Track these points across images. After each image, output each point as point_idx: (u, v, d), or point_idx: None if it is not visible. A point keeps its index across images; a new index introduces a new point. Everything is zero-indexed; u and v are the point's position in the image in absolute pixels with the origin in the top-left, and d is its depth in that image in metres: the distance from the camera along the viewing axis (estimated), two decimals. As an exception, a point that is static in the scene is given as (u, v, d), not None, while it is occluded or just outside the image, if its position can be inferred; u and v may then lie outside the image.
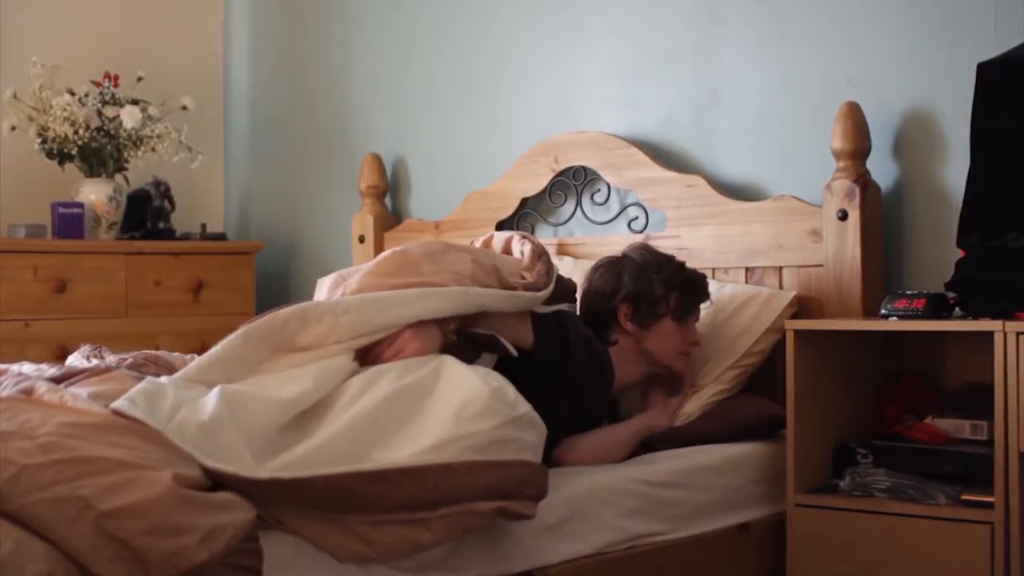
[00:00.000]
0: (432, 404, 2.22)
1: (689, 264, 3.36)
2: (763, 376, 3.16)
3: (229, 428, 2.00)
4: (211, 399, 2.07)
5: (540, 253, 2.81)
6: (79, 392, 2.06)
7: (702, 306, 3.03)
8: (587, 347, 2.76)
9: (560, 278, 2.85)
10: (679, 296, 2.95)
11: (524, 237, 2.90)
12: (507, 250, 2.90)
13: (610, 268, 3.00)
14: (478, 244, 2.97)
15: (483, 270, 2.63)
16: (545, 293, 2.71)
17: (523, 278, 2.71)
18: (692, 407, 3.04)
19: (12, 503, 1.70)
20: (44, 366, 2.53)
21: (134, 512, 1.73)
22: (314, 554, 2.02)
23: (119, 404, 1.99)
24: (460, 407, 2.19)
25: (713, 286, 3.26)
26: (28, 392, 2.08)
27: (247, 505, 1.86)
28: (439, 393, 2.24)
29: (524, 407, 2.28)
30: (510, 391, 2.29)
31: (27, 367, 2.56)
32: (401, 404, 2.19)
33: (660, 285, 2.93)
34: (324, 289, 2.68)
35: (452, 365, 2.33)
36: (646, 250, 3.04)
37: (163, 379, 2.21)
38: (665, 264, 2.99)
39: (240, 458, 1.96)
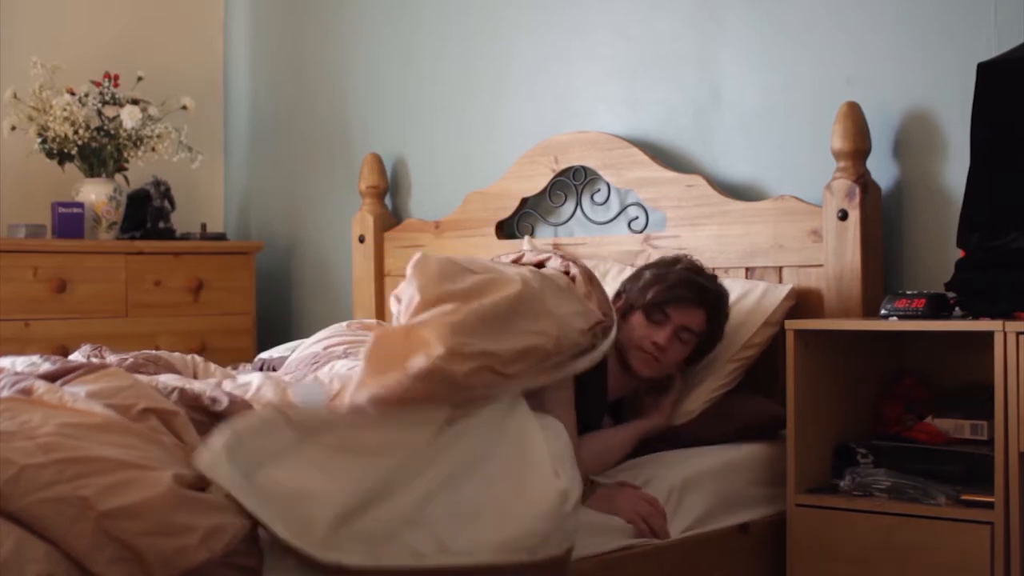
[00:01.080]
0: (502, 487, 2.24)
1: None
2: (763, 376, 3.16)
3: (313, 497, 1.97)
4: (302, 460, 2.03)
5: (589, 276, 2.72)
6: (77, 392, 2.06)
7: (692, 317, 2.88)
8: None
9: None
10: (655, 291, 2.87)
11: (563, 258, 2.80)
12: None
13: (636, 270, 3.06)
14: (506, 260, 2.86)
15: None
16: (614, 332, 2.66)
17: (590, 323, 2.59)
18: (693, 404, 3.03)
19: (12, 503, 1.70)
20: (37, 359, 2.49)
21: (134, 512, 1.73)
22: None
23: (205, 461, 1.93)
24: (529, 504, 2.23)
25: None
26: (27, 392, 2.08)
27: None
28: (513, 474, 2.27)
29: (576, 493, 2.31)
30: (575, 488, 2.32)
31: (20, 362, 2.52)
32: (479, 480, 2.22)
33: (647, 279, 2.91)
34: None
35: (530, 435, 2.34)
36: (675, 255, 3.03)
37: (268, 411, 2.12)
38: (673, 262, 2.96)
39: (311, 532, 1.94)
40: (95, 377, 2.19)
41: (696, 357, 2.97)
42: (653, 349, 2.84)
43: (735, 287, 3.20)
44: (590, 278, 2.71)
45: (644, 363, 2.86)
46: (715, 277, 2.99)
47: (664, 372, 2.91)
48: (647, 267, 2.99)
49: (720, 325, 2.95)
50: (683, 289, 2.87)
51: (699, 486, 2.78)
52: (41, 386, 2.07)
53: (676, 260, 2.97)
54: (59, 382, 2.15)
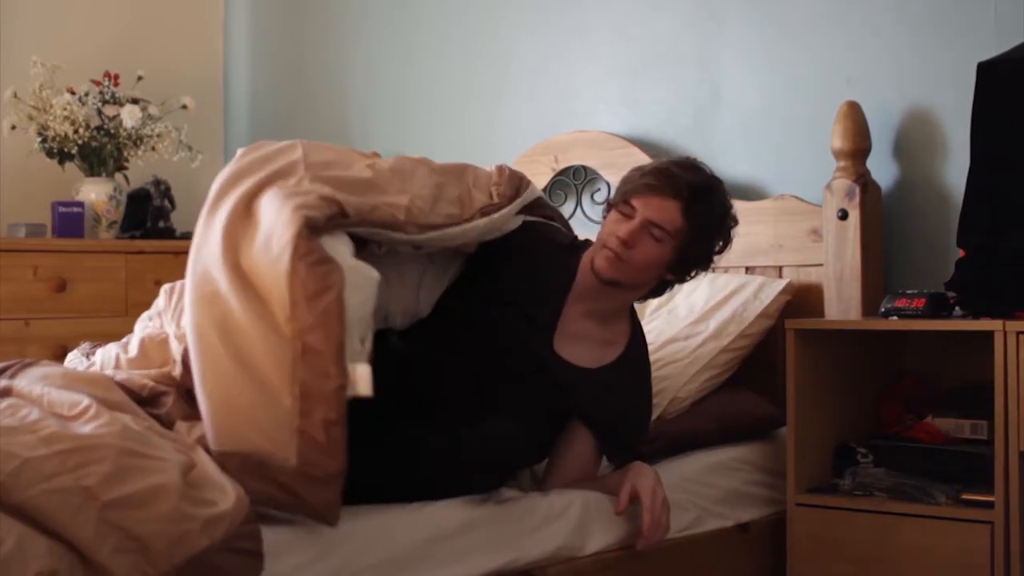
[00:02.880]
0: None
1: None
2: (763, 376, 3.16)
3: None
4: None
5: (508, 175, 2.58)
6: (50, 389, 2.06)
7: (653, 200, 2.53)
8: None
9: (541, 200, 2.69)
10: (624, 183, 2.58)
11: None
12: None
13: None
14: None
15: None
16: (513, 207, 2.52)
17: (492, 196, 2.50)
18: (685, 393, 3.02)
19: (15, 496, 1.70)
20: None
21: (137, 501, 1.74)
22: (311, 537, 2.03)
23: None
24: None
25: (708, 276, 3.26)
26: (6, 392, 2.09)
27: (237, 485, 1.87)
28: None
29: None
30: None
31: None
32: None
33: (628, 174, 2.60)
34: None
35: None
36: (672, 156, 2.83)
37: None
38: (655, 163, 2.65)
39: None
40: (37, 370, 2.23)
41: (679, 268, 2.59)
42: (616, 245, 2.48)
43: (733, 281, 3.20)
44: (509, 176, 2.57)
45: (605, 260, 2.50)
46: (701, 168, 2.60)
47: (631, 277, 2.54)
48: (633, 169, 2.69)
49: (704, 224, 2.54)
50: (651, 177, 2.52)
51: (699, 486, 2.78)
52: (22, 383, 2.08)
53: (666, 159, 2.69)
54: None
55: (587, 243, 2.67)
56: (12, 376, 2.22)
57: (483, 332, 2.51)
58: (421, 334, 2.54)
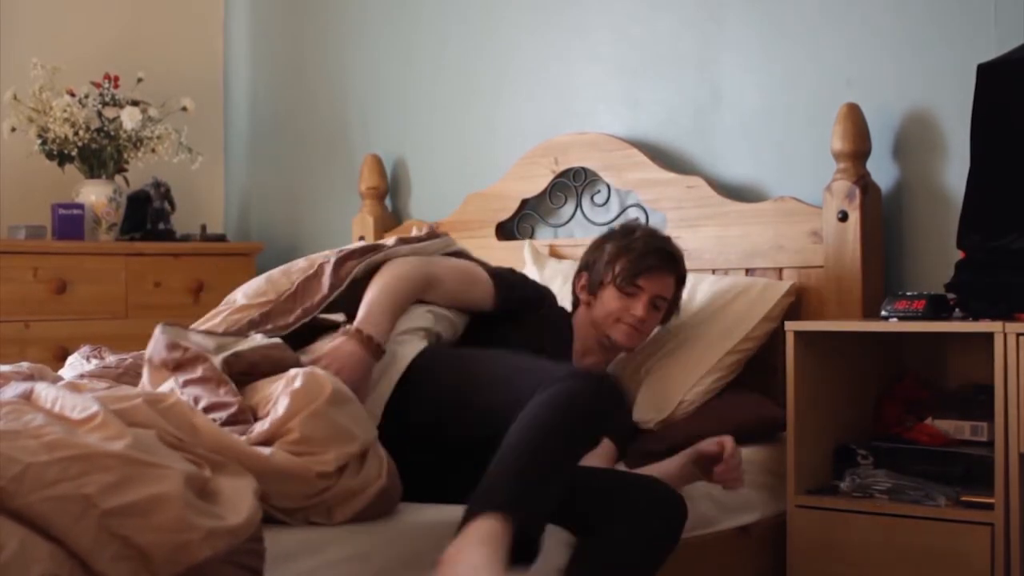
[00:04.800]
0: None
1: (689, 265, 3.37)
2: (761, 375, 3.16)
3: None
4: None
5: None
6: (64, 393, 2.06)
7: (679, 291, 2.97)
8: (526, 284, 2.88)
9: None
10: (623, 264, 2.89)
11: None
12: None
13: (593, 241, 3.04)
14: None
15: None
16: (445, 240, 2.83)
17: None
18: (692, 396, 3.03)
19: (17, 501, 1.70)
20: None
21: (137, 509, 1.73)
22: (316, 547, 2.03)
23: None
24: None
25: (712, 278, 3.27)
26: (27, 397, 2.08)
27: (253, 504, 1.87)
28: None
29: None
30: None
31: None
32: None
33: (611, 252, 2.91)
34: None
35: None
36: (633, 223, 3.07)
37: None
38: (630, 232, 2.96)
39: None
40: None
41: (667, 320, 3.03)
42: (634, 322, 2.88)
43: (737, 284, 3.20)
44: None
45: (627, 336, 2.90)
46: (669, 238, 3.01)
47: (643, 340, 2.98)
48: (605, 239, 2.98)
49: (682, 288, 2.99)
50: (653, 259, 2.89)
51: (699, 488, 2.78)
52: (42, 390, 2.08)
53: (632, 229, 2.98)
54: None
55: (562, 306, 2.96)
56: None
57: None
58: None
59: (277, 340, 2.45)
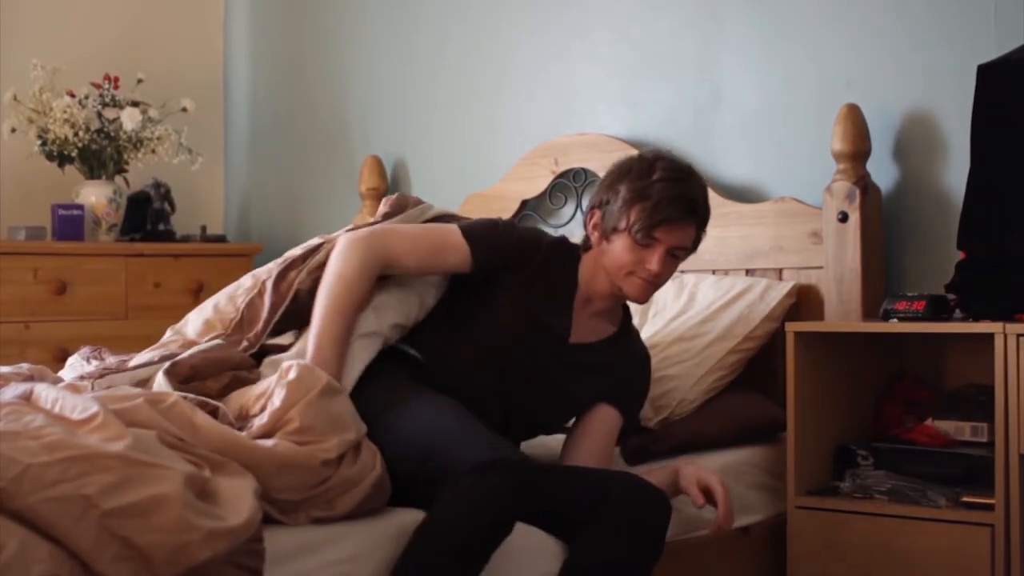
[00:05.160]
0: None
1: (690, 266, 3.37)
2: (763, 378, 3.16)
3: None
4: None
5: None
6: (65, 394, 2.06)
7: (695, 236, 2.62)
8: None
9: None
10: (640, 212, 2.54)
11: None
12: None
13: (607, 172, 2.69)
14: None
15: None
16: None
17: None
18: (694, 395, 3.03)
19: (17, 502, 1.70)
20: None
21: (137, 510, 1.73)
22: (316, 548, 2.03)
23: None
24: None
25: (712, 278, 3.27)
26: (26, 397, 2.08)
27: (253, 504, 1.87)
28: None
29: None
30: None
31: None
32: None
33: (625, 195, 2.56)
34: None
35: None
36: (648, 155, 2.65)
37: None
38: (648, 170, 2.58)
39: None
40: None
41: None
42: (648, 276, 2.58)
43: (738, 283, 3.20)
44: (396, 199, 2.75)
45: (639, 290, 2.61)
46: (693, 172, 2.64)
47: (655, 292, 2.67)
48: (621, 174, 2.61)
49: (705, 226, 2.65)
50: (672, 209, 2.55)
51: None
52: (42, 391, 2.08)
53: (651, 165, 2.59)
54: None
55: (571, 245, 2.71)
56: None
57: (501, 343, 2.60)
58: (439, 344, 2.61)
59: (217, 341, 2.45)
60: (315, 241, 2.70)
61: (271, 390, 2.16)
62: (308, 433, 2.07)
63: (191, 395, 2.17)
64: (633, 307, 3.29)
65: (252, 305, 2.58)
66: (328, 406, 2.13)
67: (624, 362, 2.72)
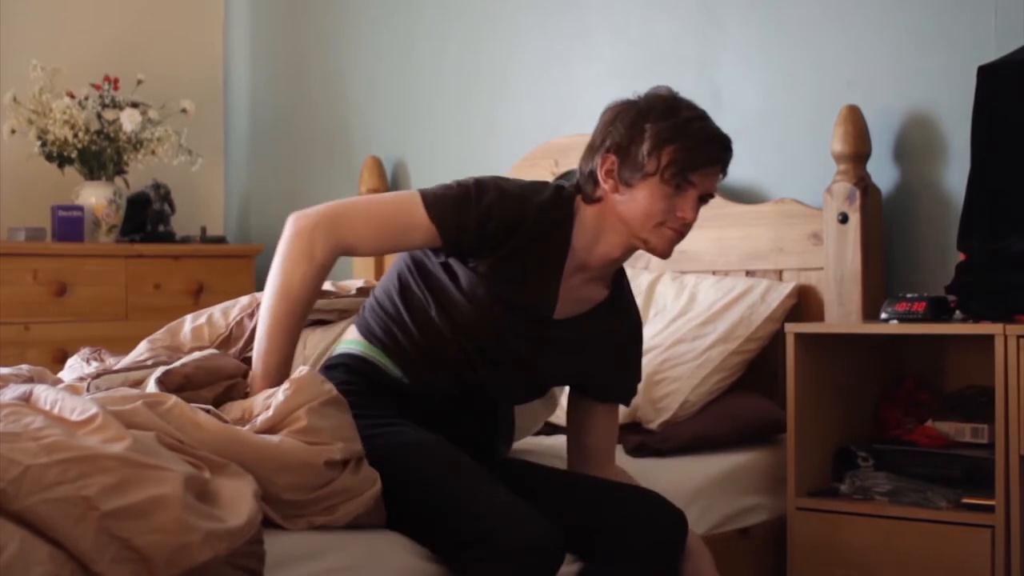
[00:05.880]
0: None
1: (690, 267, 3.37)
2: (764, 379, 3.16)
3: None
4: None
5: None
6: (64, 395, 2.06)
7: (717, 180, 2.37)
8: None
9: None
10: (675, 153, 2.28)
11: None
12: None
13: (611, 113, 2.39)
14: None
15: None
16: None
17: None
18: (696, 395, 3.03)
19: (16, 503, 1.70)
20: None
21: (137, 511, 1.73)
22: (315, 554, 2.03)
23: None
24: None
25: (713, 279, 3.27)
26: (25, 399, 2.08)
27: (253, 506, 1.87)
28: None
29: None
30: None
31: None
32: None
33: (655, 136, 2.29)
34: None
35: None
36: (663, 93, 2.38)
37: None
38: (673, 111, 2.32)
39: None
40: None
41: None
42: (681, 227, 2.34)
43: (739, 284, 3.20)
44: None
45: (670, 242, 2.35)
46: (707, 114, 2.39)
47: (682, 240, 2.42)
48: (637, 116, 2.33)
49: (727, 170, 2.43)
50: (712, 148, 2.32)
51: (700, 490, 2.78)
52: (41, 392, 2.08)
53: (674, 104, 2.35)
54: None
55: (566, 203, 2.38)
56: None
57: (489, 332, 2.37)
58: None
59: (212, 351, 2.43)
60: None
61: (276, 392, 2.14)
62: (314, 434, 2.06)
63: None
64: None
65: (240, 324, 2.57)
66: (335, 415, 2.11)
67: (617, 333, 2.48)
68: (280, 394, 2.11)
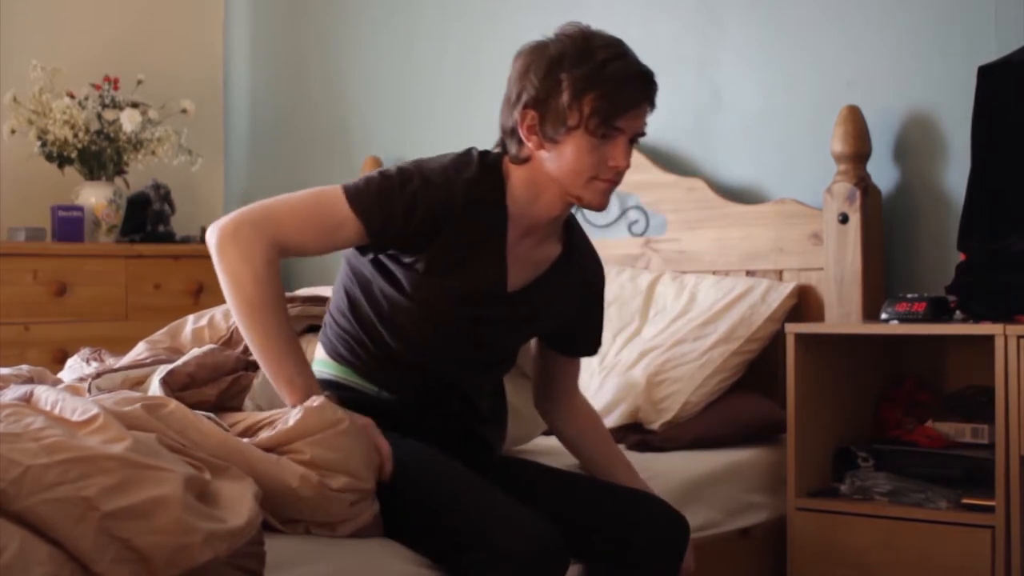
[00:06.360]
0: None
1: (690, 267, 3.37)
2: (764, 379, 3.16)
3: None
4: None
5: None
6: (65, 396, 2.06)
7: (644, 118, 2.23)
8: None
9: None
10: (596, 101, 2.13)
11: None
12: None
13: (522, 61, 2.22)
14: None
15: None
16: None
17: None
18: (698, 395, 3.03)
19: (16, 503, 1.70)
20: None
21: (137, 512, 1.73)
22: (315, 553, 2.03)
23: None
24: None
25: (712, 279, 3.27)
26: (26, 399, 2.08)
27: (254, 507, 1.86)
28: None
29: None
30: None
31: None
32: None
33: (572, 85, 2.13)
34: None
35: None
36: (573, 33, 2.23)
37: None
38: (587, 54, 2.17)
39: None
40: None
41: None
42: (615, 176, 2.20)
43: (739, 284, 3.20)
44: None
45: (604, 195, 2.21)
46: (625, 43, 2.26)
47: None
48: (550, 65, 2.17)
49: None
50: (636, 88, 2.18)
51: (700, 490, 2.78)
52: (42, 393, 2.08)
53: (587, 45, 2.19)
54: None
55: (494, 174, 2.23)
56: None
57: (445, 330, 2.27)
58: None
59: (211, 346, 2.40)
60: (319, 290, 2.67)
61: (288, 414, 2.07)
62: (317, 466, 1.99)
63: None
64: (630, 305, 3.31)
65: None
66: (346, 447, 2.02)
67: (576, 291, 2.37)
68: (291, 419, 2.07)
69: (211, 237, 2.18)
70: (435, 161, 2.23)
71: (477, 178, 2.20)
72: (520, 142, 2.19)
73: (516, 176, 2.22)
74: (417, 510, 2.09)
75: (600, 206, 2.22)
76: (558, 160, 2.16)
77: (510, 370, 2.48)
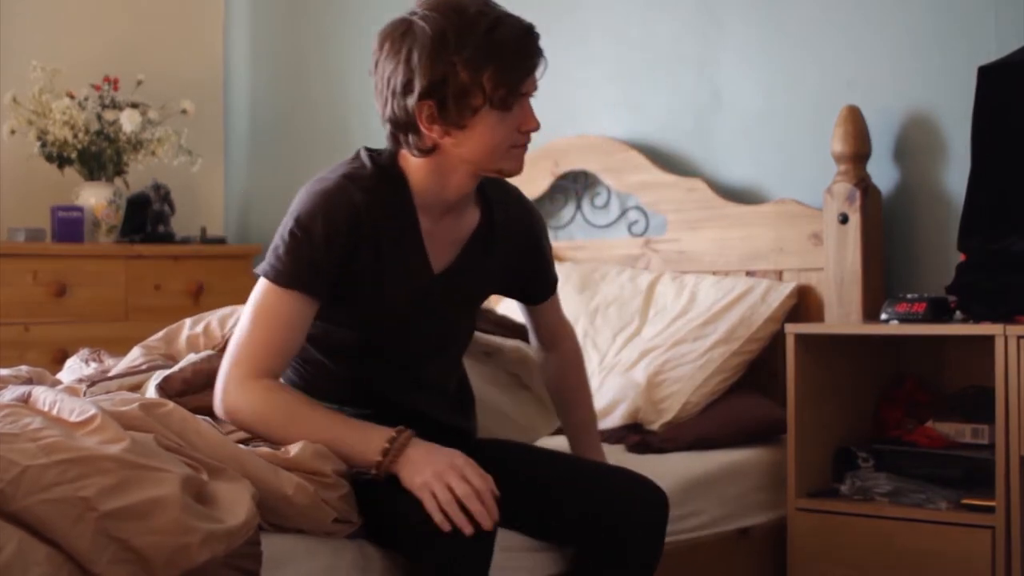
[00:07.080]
0: None
1: (690, 267, 3.37)
2: (765, 379, 3.16)
3: None
4: None
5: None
6: (63, 397, 2.06)
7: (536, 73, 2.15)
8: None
9: None
10: (496, 74, 2.08)
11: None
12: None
13: (393, 47, 2.21)
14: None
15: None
16: None
17: None
18: (698, 396, 3.04)
19: (14, 504, 1.70)
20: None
21: (135, 512, 1.73)
22: (311, 551, 2.03)
23: None
24: None
25: (712, 279, 3.27)
26: (24, 400, 2.08)
27: (251, 507, 1.86)
28: None
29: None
30: None
31: None
32: None
33: (467, 66, 2.07)
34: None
35: None
36: (443, 8, 2.12)
37: None
38: (469, 27, 2.08)
39: None
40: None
41: None
42: (527, 140, 2.19)
43: (739, 284, 3.20)
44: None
45: (520, 158, 2.20)
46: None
47: None
48: (434, 49, 2.10)
49: None
50: (528, 50, 2.13)
51: (700, 490, 2.78)
52: (40, 394, 2.08)
53: (463, 15, 2.10)
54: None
55: (390, 181, 2.23)
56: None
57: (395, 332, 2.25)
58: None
59: (208, 352, 2.41)
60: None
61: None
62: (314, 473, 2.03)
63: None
64: (630, 306, 3.31)
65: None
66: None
67: (509, 241, 2.32)
68: (292, 450, 2.06)
69: (219, 413, 2.16)
70: (327, 180, 2.27)
71: (374, 185, 2.20)
72: (419, 134, 2.15)
73: (418, 167, 2.19)
74: (388, 511, 2.09)
75: (519, 170, 2.20)
76: (469, 143, 2.13)
77: (467, 345, 2.42)
